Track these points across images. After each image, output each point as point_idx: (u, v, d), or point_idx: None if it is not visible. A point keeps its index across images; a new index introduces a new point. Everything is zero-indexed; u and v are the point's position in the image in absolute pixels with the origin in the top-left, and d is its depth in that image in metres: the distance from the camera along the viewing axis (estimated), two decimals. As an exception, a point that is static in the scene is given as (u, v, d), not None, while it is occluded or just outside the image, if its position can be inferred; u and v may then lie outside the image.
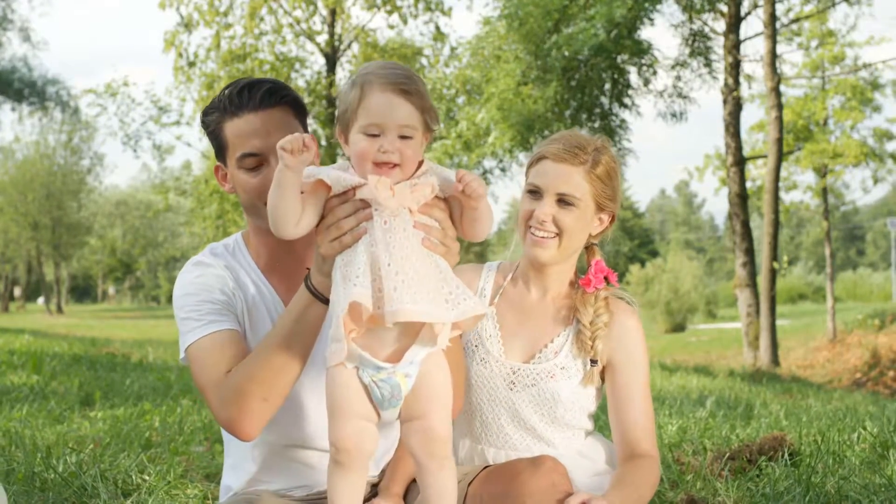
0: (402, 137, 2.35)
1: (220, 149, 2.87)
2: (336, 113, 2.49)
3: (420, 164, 2.44)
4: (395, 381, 2.36)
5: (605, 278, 2.98)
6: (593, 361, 2.91)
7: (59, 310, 61.76)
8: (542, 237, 2.86)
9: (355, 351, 2.34)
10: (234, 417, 2.62)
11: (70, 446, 5.27)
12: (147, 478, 4.49)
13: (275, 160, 2.66)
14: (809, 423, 5.91)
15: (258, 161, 2.77)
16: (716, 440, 5.37)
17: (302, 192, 2.40)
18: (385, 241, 2.32)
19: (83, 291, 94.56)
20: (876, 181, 30.34)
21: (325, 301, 2.51)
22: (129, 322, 47.48)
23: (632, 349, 2.94)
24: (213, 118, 2.85)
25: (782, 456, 4.48)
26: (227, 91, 2.83)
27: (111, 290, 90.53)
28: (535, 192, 2.89)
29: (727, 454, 4.63)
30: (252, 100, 2.77)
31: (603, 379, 2.98)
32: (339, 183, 2.38)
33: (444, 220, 2.46)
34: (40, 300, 70.52)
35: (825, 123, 28.83)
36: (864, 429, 5.25)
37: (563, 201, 2.85)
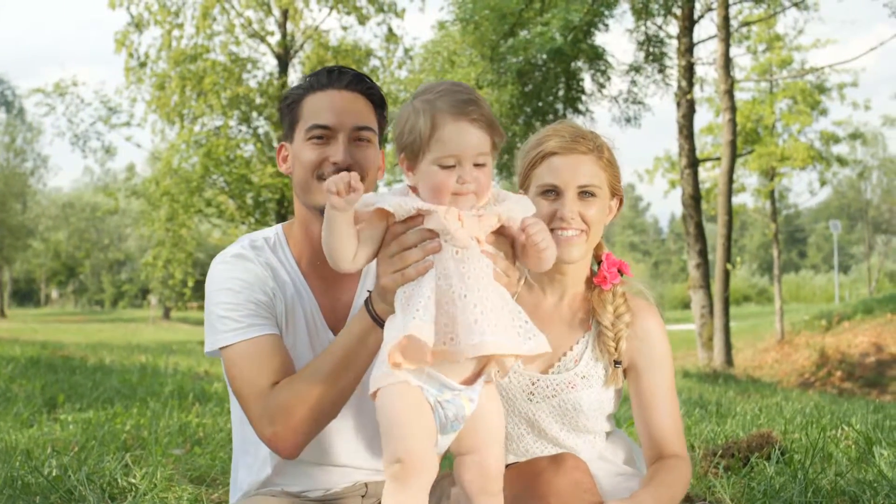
0: (477, 165, 2.31)
1: (292, 124, 2.90)
2: (397, 140, 2.41)
3: None
4: (459, 403, 2.31)
5: (619, 270, 2.88)
6: (617, 363, 2.81)
7: (2, 314, 60.52)
8: (571, 235, 2.73)
9: (425, 369, 2.28)
10: (280, 434, 2.59)
11: (54, 448, 5.16)
12: (133, 481, 4.40)
13: (343, 138, 2.76)
14: (791, 422, 5.97)
15: (324, 134, 2.79)
16: (698, 438, 5.39)
17: (361, 223, 2.35)
18: (459, 272, 2.27)
19: (25, 295, 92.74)
20: (823, 183, 30.89)
21: None
22: (73, 326, 46.70)
23: (655, 351, 2.84)
24: (297, 93, 2.90)
25: (773, 453, 4.50)
26: (318, 71, 2.91)
27: (54, 293, 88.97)
28: (551, 192, 2.75)
29: (717, 452, 4.65)
30: (340, 80, 2.85)
31: (624, 376, 2.89)
32: (401, 209, 2.32)
33: (507, 249, 2.42)
34: (-19, 304, 69.11)
35: (773, 127, 29.26)
36: (849, 426, 5.31)
37: (585, 193, 2.75)
